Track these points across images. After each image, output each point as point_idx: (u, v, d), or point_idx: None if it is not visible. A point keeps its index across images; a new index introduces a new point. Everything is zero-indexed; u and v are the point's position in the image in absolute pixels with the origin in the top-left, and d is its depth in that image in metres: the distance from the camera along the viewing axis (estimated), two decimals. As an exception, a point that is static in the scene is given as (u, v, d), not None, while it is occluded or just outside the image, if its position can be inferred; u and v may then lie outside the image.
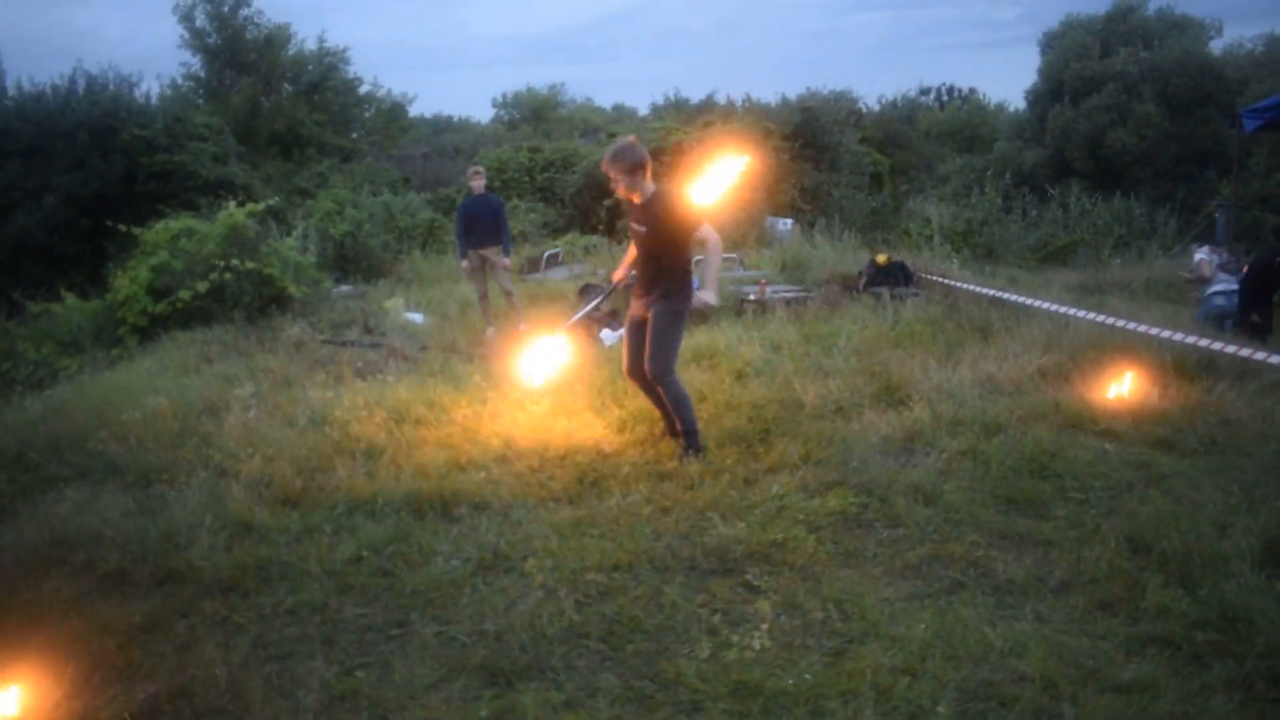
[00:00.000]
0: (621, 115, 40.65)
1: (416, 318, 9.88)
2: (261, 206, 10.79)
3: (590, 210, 19.02)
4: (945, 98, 44.50)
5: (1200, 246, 10.54)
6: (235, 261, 9.49)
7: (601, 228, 17.87)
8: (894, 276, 9.41)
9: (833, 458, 4.51)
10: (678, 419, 4.72)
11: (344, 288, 11.90)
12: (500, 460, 4.73)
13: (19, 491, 4.65)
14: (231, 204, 10.32)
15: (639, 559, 3.56)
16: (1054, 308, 7.42)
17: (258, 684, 2.84)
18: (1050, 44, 27.96)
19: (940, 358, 6.38)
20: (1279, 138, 18.34)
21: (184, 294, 9.28)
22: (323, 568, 3.59)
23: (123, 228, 10.55)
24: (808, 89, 25.77)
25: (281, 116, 24.40)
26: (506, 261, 9.46)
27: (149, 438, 5.12)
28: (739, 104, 23.92)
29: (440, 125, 40.42)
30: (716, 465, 4.51)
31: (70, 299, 10.22)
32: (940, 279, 9.49)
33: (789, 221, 16.78)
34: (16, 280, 13.81)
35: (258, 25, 25.03)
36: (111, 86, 20.94)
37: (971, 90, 44.46)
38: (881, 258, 9.81)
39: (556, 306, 10.11)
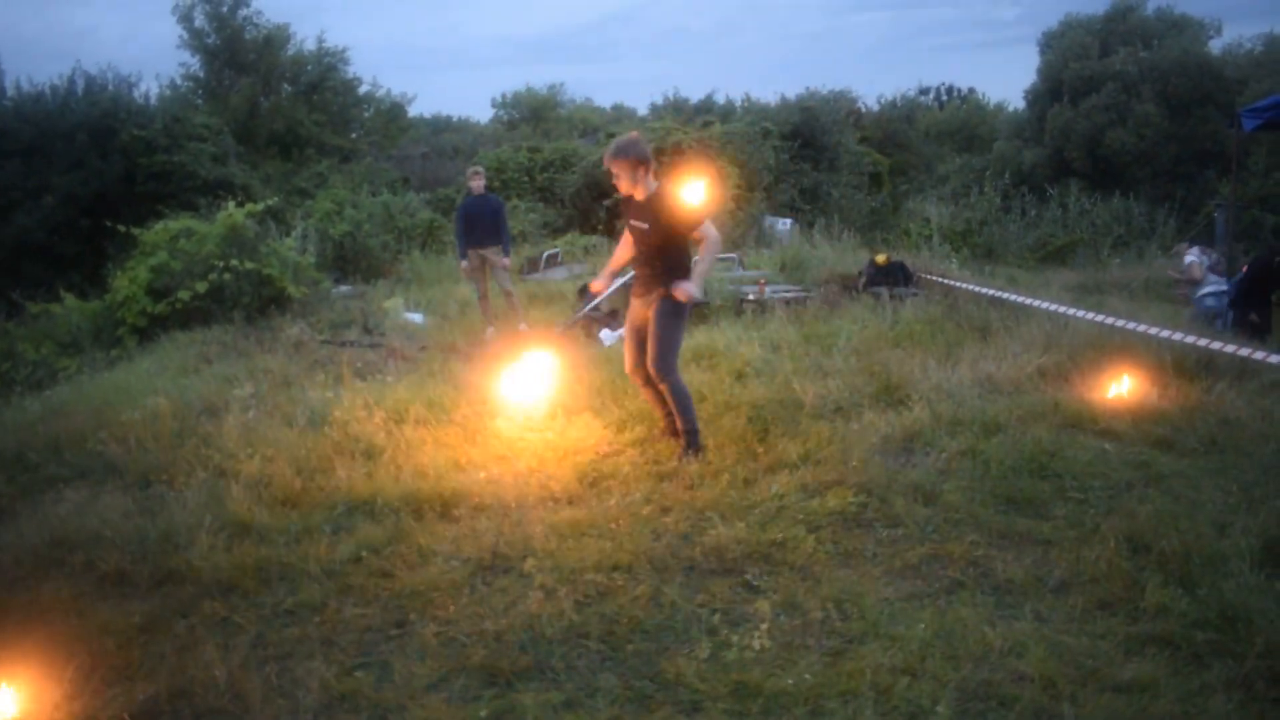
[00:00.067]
0: (621, 115, 40.61)
1: (416, 318, 9.88)
2: (261, 207, 10.79)
3: (590, 210, 19.02)
4: (945, 98, 44.56)
5: (1190, 247, 10.52)
6: (234, 262, 9.49)
7: (601, 228, 17.87)
8: (893, 276, 9.41)
9: (832, 457, 4.51)
10: (679, 418, 4.72)
11: (343, 288, 11.90)
12: (500, 460, 4.73)
13: (18, 492, 4.64)
14: (231, 204, 10.32)
15: (639, 559, 3.56)
16: (1053, 307, 7.42)
17: (258, 684, 2.83)
18: (1049, 44, 28.01)
19: (939, 357, 6.38)
20: (1278, 137, 18.36)
21: (183, 294, 9.28)
22: (322, 568, 3.58)
23: (122, 228, 10.55)
24: (807, 89, 25.86)
25: (281, 117, 24.39)
26: (506, 261, 9.46)
27: (148, 438, 5.12)
28: (738, 104, 23.95)
29: (439, 125, 40.39)
30: (716, 465, 4.50)
31: (69, 299, 10.23)
32: (939, 279, 9.49)
33: (788, 221, 16.80)
34: (16, 281, 13.81)
35: (257, 25, 25.04)
36: (110, 87, 20.95)
37: (971, 90, 44.60)
38: (881, 257, 9.81)
39: (556, 306, 10.12)
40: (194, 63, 25.19)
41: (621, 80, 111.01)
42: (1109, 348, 6.22)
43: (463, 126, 41.79)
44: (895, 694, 2.70)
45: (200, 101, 24.66)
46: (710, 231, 4.61)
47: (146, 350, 8.60)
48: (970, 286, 8.88)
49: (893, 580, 3.44)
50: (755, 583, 3.42)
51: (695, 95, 31.18)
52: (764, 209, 17.91)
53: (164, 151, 19.18)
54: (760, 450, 4.69)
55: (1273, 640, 2.83)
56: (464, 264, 9.40)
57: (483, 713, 2.71)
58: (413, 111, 33.20)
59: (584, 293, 9.94)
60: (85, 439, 5.19)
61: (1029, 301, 7.76)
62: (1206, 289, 9.56)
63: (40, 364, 8.98)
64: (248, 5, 24.76)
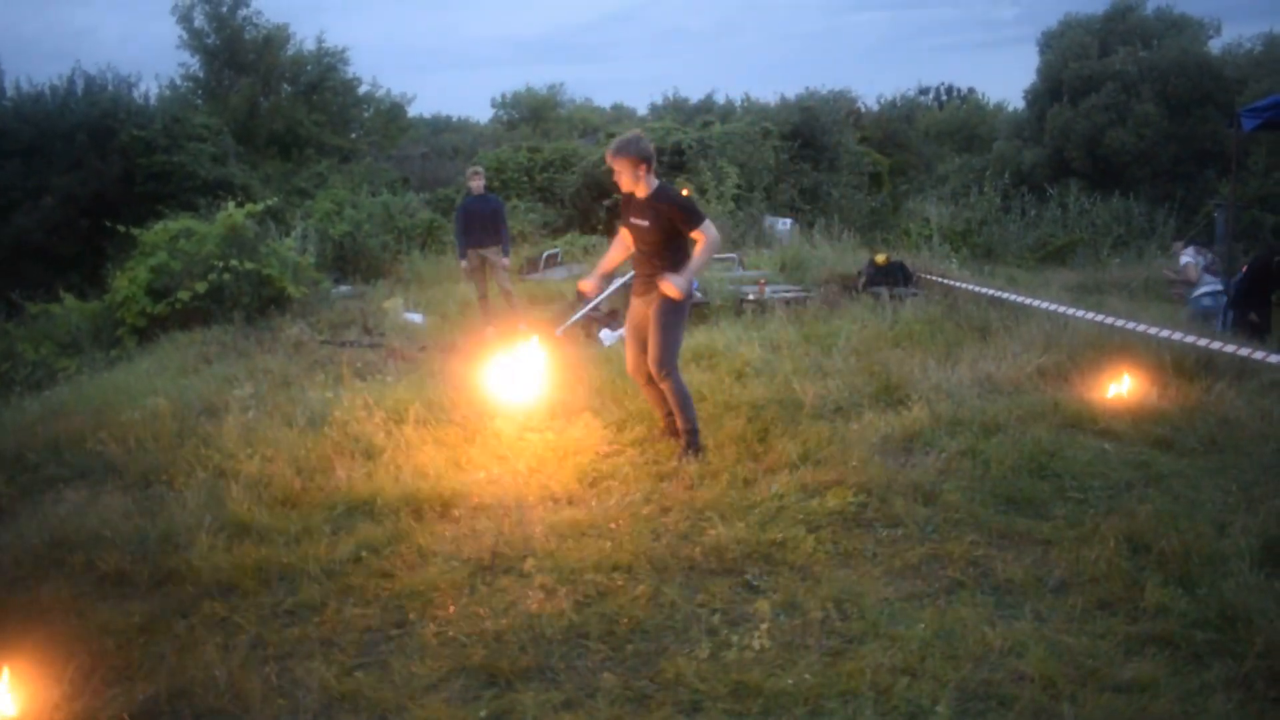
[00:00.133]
0: (620, 115, 40.60)
1: (415, 318, 9.88)
2: (260, 207, 10.79)
3: (590, 210, 19.02)
4: (944, 97, 44.54)
5: (1185, 247, 10.51)
6: (234, 262, 9.49)
7: (601, 228, 17.87)
8: (893, 276, 9.41)
9: (832, 458, 4.51)
10: (679, 417, 4.72)
11: (343, 288, 11.90)
12: (500, 460, 4.73)
13: (18, 492, 4.64)
14: (230, 204, 10.32)
15: (639, 559, 3.56)
16: (1053, 307, 7.42)
17: (257, 684, 2.83)
18: (1049, 44, 27.99)
19: (939, 357, 6.38)
20: (1277, 137, 18.36)
21: (183, 294, 9.28)
22: (322, 568, 3.58)
23: (121, 228, 10.55)
24: (807, 89, 25.87)
25: (280, 117, 24.40)
26: (505, 261, 9.47)
27: (148, 438, 5.12)
28: (738, 104, 23.97)
29: (439, 125, 40.37)
30: (716, 465, 4.51)
31: (69, 300, 10.23)
32: (939, 279, 9.49)
33: (788, 221, 16.79)
34: (15, 281, 13.78)
35: (256, 25, 25.06)
36: (110, 87, 20.97)
37: (970, 90, 44.56)
38: (880, 257, 9.81)
39: (555, 306, 10.11)
40: (194, 63, 25.26)
41: (621, 80, 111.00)
42: (1109, 347, 6.22)
43: (462, 126, 41.78)
44: (895, 694, 2.70)
45: (200, 102, 24.67)
46: (710, 231, 4.61)
47: (146, 350, 8.60)
48: (970, 286, 8.88)
49: (893, 580, 3.44)
50: (755, 583, 3.42)
51: (695, 95, 31.24)
52: (764, 209, 17.91)
53: (163, 152, 19.18)
54: (760, 450, 4.69)
55: (1272, 640, 2.83)
56: (464, 264, 9.40)
57: (483, 713, 2.71)
58: (412, 111, 33.27)
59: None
60: (85, 439, 5.18)
61: (1029, 301, 7.77)
62: (1202, 289, 9.58)
63: (40, 364, 8.98)
64: (247, 5, 24.81)
